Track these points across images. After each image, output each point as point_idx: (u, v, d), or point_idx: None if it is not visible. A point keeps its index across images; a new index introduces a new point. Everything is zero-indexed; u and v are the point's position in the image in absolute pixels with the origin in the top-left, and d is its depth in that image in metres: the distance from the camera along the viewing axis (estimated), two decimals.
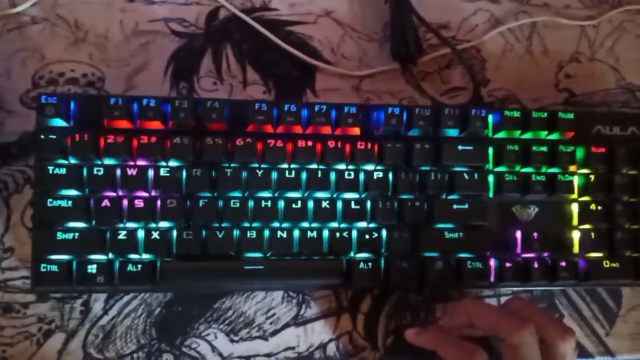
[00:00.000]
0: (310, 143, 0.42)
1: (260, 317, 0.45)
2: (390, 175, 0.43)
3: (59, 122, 0.40)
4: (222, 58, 0.49)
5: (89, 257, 0.40)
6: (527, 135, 0.45)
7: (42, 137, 0.40)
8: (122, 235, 0.40)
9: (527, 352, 0.36)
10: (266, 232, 0.42)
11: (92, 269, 0.40)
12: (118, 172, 0.40)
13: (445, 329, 0.41)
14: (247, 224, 0.41)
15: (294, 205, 0.42)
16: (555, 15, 0.54)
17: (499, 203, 0.45)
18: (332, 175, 0.42)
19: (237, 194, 0.41)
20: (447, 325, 0.42)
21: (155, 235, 0.40)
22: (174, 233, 0.41)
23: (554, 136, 0.46)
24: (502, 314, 0.38)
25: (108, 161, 0.40)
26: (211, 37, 0.49)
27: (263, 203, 0.41)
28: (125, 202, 0.40)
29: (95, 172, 0.40)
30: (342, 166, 0.43)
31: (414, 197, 0.43)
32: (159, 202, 0.40)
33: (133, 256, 0.40)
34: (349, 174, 0.42)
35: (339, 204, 0.42)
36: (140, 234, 0.40)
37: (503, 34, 0.53)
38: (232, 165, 0.42)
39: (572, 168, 0.45)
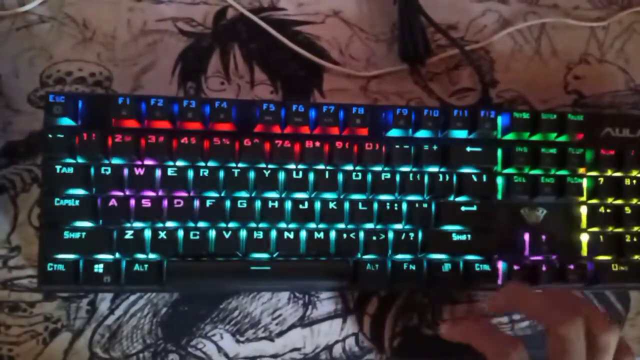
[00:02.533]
0: (317, 144, 0.42)
1: (266, 318, 0.45)
2: (398, 177, 0.43)
3: (66, 122, 0.40)
4: (229, 58, 0.48)
5: (95, 256, 0.40)
6: (536, 137, 0.45)
7: (50, 136, 0.40)
8: (129, 234, 0.40)
9: (574, 344, 0.35)
10: (273, 233, 0.41)
11: (98, 268, 0.40)
12: (125, 171, 0.40)
13: (480, 318, 0.40)
14: (254, 225, 0.41)
15: (301, 206, 0.42)
16: (565, 16, 0.53)
17: (508, 205, 0.45)
18: (340, 176, 0.42)
19: (244, 194, 0.41)
20: (484, 311, 0.40)
21: (162, 235, 0.40)
22: (181, 233, 0.40)
23: (563, 138, 0.45)
24: (551, 302, 0.37)
25: (115, 161, 0.40)
26: (219, 37, 0.49)
27: (270, 203, 0.41)
28: (132, 202, 0.40)
29: (102, 171, 0.40)
30: (349, 167, 0.43)
31: (422, 199, 0.43)
32: (166, 202, 0.40)
33: (140, 256, 0.40)
34: (357, 175, 0.42)
35: (346, 205, 0.42)
36: (147, 233, 0.40)
37: (512, 34, 0.52)
38: (240, 165, 0.41)
39: (581, 170, 0.45)
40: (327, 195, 0.42)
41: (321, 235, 0.42)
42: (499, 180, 0.44)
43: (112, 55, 0.47)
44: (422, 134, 0.44)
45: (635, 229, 0.45)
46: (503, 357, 0.37)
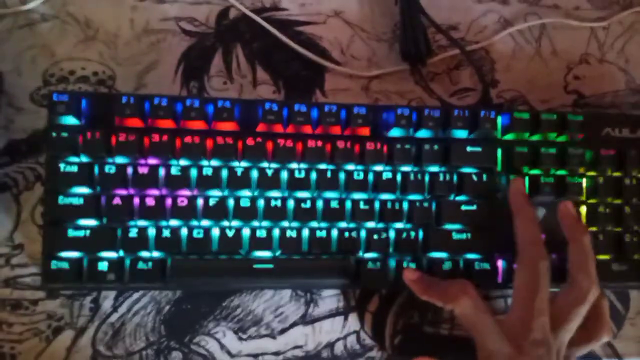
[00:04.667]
0: (319, 143, 0.42)
1: (268, 316, 0.45)
2: (399, 176, 0.43)
3: (70, 120, 0.40)
4: (232, 57, 0.49)
5: (99, 254, 0.40)
6: (536, 137, 0.45)
7: (54, 134, 0.40)
8: (132, 233, 0.40)
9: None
10: (275, 231, 0.42)
11: (102, 266, 0.40)
12: (129, 170, 0.40)
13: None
14: (256, 223, 0.42)
15: (303, 205, 0.42)
16: (565, 16, 0.54)
17: (508, 204, 0.45)
18: (342, 175, 0.42)
19: (247, 193, 0.42)
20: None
21: (165, 233, 0.40)
22: (184, 231, 0.41)
23: (563, 138, 0.46)
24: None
25: (119, 159, 0.41)
26: (221, 37, 0.49)
27: (272, 202, 0.41)
28: (136, 200, 0.40)
29: (106, 170, 0.40)
30: (351, 166, 0.43)
31: (423, 198, 0.44)
32: (169, 201, 0.41)
33: (143, 254, 0.41)
34: (358, 174, 0.43)
35: (348, 204, 0.42)
36: (151, 231, 0.41)
37: (512, 35, 0.53)
38: (242, 164, 0.42)
39: (581, 170, 0.45)
40: (329, 194, 0.42)
41: (323, 233, 0.42)
42: (499, 180, 0.45)
43: (114, 54, 0.47)
44: (423, 133, 0.44)
45: (635, 228, 0.46)
46: (453, 301, 0.39)
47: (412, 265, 0.43)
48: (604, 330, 0.41)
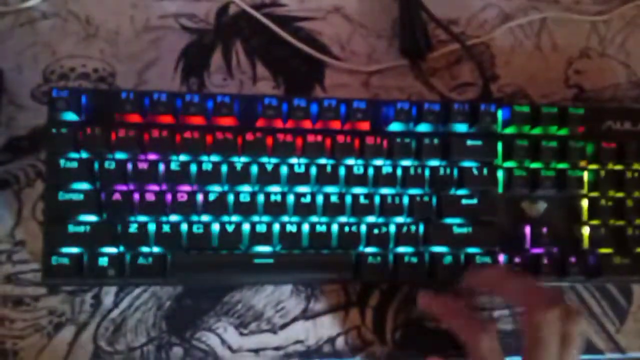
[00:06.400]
0: (319, 138, 0.42)
1: (269, 311, 0.45)
2: (399, 170, 0.43)
3: (70, 116, 0.41)
4: (232, 54, 0.49)
5: (100, 250, 0.40)
6: (537, 131, 0.45)
7: (54, 130, 0.40)
8: (133, 228, 0.40)
9: (550, 331, 0.36)
10: (276, 226, 0.42)
11: (103, 261, 0.40)
12: (129, 165, 0.40)
13: (458, 298, 0.41)
14: (256, 218, 0.42)
15: (303, 200, 0.42)
16: (566, 10, 0.53)
17: (508, 198, 0.45)
18: (342, 170, 0.42)
19: (247, 187, 0.42)
20: (463, 292, 0.41)
21: (165, 228, 0.40)
22: (185, 226, 0.41)
23: (564, 131, 0.45)
24: (530, 288, 0.38)
25: (119, 155, 0.41)
26: (221, 33, 0.49)
27: (272, 197, 0.41)
28: (136, 196, 0.40)
29: (106, 165, 0.40)
30: (351, 161, 0.43)
31: (423, 192, 0.43)
32: (169, 196, 0.41)
33: (144, 249, 0.41)
34: (358, 169, 0.42)
35: (348, 199, 0.42)
36: (151, 227, 0.41)
37: (512, 29, 0.53)
38: (242, 159, 0.42)
39: (582, 163, 0.45)
40: (329, 189, 0.42)
41: (323, 228, 0.42)
42: (500, 174, 0.45)
43: (115, 52, 0.47)
44: (423, 127, 0.44)
45: (637, 221, 0.45)
46: (476, 341, 0.38)
47: (414, 260, 0.43)
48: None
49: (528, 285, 0.39)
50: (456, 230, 0.43)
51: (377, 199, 0.43)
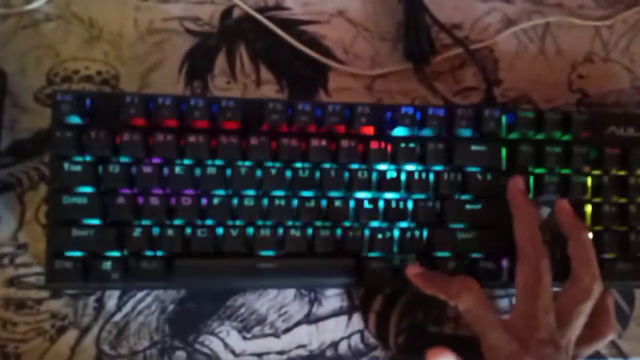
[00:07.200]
0: (324, 142, 0.42)
1: (272, 315, 0.45)
2: (403, 175, 0.43)
3: (74, 120, 0.40)
4: (235, 57, 0.49)
5: (103, 253, 0.40)
6: (541, 136, 0.45)
7: (58, 134, 0.40)
8: (137, 232, 0.40)
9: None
10: (279, 230, 0.42)
11: (106, 265, 0.40)
12: (133, 169, 0.40)
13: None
14: (260, 222, 0.42)
15: (307, 204, 0.42)
16: (569, 15, 0.53)
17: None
18: (346, 174, 0.42)
19: (251, 192, 0.42)
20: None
21: (169, 232, 0.40)
22: (189, 230, 0.41)
23: (568, 137, 0.45)
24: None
25: (124, 159, 0.41)
26: (225, 36, 0.49)
27: (277, 201, 0.41)
28: (140, 199, 0.40)
29: (110, 169, 0.40)
30: (355, 165, 0.43)
31: (427, 197, 0.43)
32: (174, 200, 0.41)
33: (147, 253, 0.41)
34: (362, 173, 0.42)
35: (352, 203, 0.42)
36: (155, 231, 0.41)
37: (516, 34, 0.53)
38: (247, 163, 0.42)
39: (586, 169, 0.45)
40: (333, 193, 0.42)
41: (327, 232, 0.42)
42: (504, 179, 0.44)
43: (119, 54, 0.47)
44: (427, 132, 0.44)
45: None
46: (456, 297, 0.39)
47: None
48: (609, 327, 0.41)
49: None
50: (460, 235, 0.43)
51: (381, 204, 0.43)
